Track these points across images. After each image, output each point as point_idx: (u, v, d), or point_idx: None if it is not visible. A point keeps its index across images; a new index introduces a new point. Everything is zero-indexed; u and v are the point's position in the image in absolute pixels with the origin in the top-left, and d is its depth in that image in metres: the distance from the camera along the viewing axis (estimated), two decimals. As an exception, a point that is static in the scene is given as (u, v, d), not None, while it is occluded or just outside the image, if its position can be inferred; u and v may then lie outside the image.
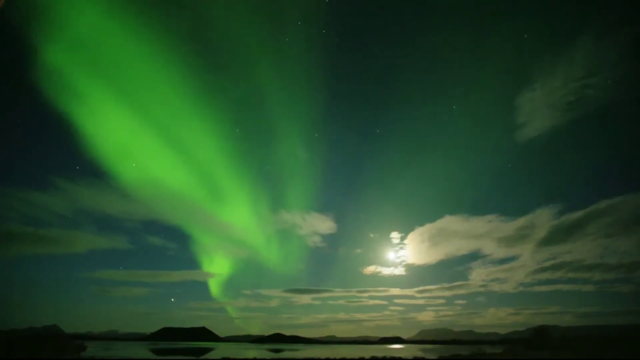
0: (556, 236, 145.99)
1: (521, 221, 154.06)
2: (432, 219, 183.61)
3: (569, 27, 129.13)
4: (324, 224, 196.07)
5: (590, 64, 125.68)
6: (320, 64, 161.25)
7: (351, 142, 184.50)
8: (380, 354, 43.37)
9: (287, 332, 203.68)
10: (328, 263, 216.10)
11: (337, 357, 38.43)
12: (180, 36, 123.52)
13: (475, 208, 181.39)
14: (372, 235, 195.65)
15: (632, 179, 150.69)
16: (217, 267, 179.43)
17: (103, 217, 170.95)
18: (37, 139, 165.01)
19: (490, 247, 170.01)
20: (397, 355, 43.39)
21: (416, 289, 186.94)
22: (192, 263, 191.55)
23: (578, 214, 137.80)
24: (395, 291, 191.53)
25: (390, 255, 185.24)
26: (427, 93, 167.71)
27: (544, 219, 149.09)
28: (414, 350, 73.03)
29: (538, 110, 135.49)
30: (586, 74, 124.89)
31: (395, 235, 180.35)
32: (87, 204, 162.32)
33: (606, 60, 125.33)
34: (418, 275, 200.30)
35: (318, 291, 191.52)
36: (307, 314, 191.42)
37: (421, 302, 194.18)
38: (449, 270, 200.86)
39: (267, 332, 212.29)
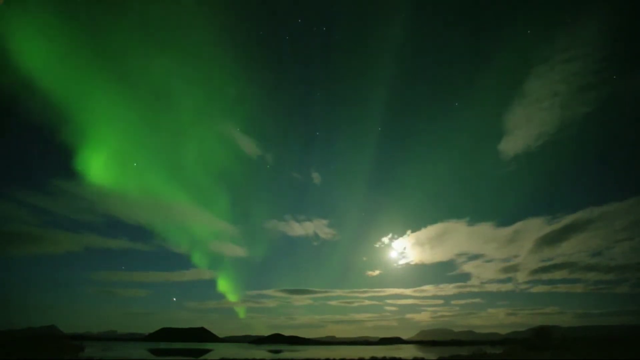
0: (551, 240, 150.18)
1: (517, 225, 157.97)
2: (432, 222, 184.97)
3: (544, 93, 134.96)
4: (325, 227, 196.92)
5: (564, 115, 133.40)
6: (321, 62, 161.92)
7: (353, 140, 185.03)
8: (379, 355, 43.23)
9: (287, 333, 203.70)
10: (328, 264, 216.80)
11: (337, 357, 38.30)
12: (179, 35, 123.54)
13: (473, 212, 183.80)
14: (372, 237, 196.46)
15: (612, 191, 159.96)
16: (217, 267, 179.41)
17: (103, 217, 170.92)
18: (38, 140, 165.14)
19: (488, 249, 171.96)
20: (396, 355, 43.21)
21: (416, 289, 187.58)
22: (192, 264, 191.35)
23: (567, 219, 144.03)
24: (395, 292, 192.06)
25: (390, 256, 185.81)
26: (429, 90, 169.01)
27: (538, 224, 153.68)
28: (414, 350, 72.85)
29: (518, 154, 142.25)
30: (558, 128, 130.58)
31: (394, 238, 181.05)
32: (87, 204, 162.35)
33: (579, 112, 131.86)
34: (417, 276, 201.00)
35: (318, 292, 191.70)
36: (306, 314, 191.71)
37: (421, 302, 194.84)
38: (448, 271, 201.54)
39: (267, 333, 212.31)
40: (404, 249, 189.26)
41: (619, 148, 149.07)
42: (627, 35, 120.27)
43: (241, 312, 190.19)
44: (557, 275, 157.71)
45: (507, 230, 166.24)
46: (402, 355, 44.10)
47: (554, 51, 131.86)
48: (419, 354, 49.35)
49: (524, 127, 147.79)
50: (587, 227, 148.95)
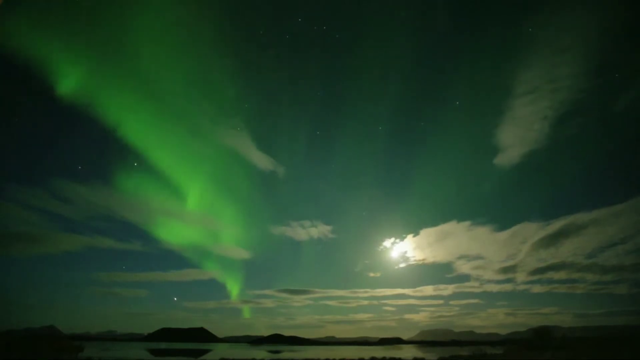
0: (547, 243, 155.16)
1: (515, 229, 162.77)
2: (433, 225, 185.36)
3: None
4: (330, 233, 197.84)
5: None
6: (321, 61, 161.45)
7: (353, 140, 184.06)
8: (379, 355, 43.23)
9: (286, 333, 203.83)
10: (330, 266, 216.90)
11: (337, 357, 38.26)
12: (178, 35, 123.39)
13: (474, 216, 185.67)
14: (374, 240, 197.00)
15: (602, 199, 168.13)
16: (218, 268, 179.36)
17: (102, 217, 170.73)
18: (37, 138, 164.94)
19: (488, 252, 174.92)
20: (396, 356, 43.16)
21: (415, 290, 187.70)
22: (193, 265, 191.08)
23: (561, 224, 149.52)
24: (394, 292, 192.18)
25: (391, 259, 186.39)
26: (430, 89, 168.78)
27: (534, 228, 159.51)
28: (414, 350, 72.82)
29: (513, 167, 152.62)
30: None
31: (396, 241, 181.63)
32: (88, 204, 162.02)
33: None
34: (417, 277, 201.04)
35: (318, 292, 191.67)
36: (306, 314, 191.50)
37: (420, 303, 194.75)
38: (447, 273, 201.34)
39: (267, 333, 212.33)
40: (405, 252, 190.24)
41: (605, 162, 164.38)
42: (608, 68, 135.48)
43: (246, 311, 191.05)
44: (556, 276, 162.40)
45: (505, 234, 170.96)
46: (402, 356, 44.04)
47: (542, 82, 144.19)
48: (419, 354, 49.37)
49: (517, 145, 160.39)
50: (581, 232, 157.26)
